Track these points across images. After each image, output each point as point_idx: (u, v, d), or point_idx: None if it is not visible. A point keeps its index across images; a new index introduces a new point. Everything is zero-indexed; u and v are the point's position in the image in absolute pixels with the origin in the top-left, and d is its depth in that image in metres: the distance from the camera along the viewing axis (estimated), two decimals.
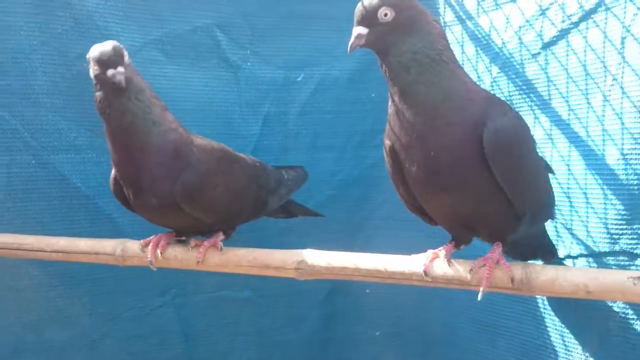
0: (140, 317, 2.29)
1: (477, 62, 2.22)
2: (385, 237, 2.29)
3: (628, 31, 1.69)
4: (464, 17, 2.29)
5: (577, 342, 1.88)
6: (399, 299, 2.37)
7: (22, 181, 2.07)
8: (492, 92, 2.14)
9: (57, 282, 2.16)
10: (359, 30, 1.39)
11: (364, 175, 2.40)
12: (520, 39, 2.04)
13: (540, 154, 1.72)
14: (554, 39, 1.93)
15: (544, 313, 1.99)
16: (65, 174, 2.12)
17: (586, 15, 1.83)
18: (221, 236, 1.83)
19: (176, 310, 2.32)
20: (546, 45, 1.96)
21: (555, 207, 1.89)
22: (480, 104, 1.41)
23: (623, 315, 1.73)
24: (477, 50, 2.22)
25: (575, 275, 1.43)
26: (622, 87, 1.70)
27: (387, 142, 1.50)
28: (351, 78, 2.38)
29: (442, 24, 2.32)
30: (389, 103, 1.47)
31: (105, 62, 1.61)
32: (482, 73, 2.19)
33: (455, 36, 2.30)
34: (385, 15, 1.37)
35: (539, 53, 1.98)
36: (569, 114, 1.90)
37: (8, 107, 2.04)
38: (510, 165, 1.40)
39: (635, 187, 1.68)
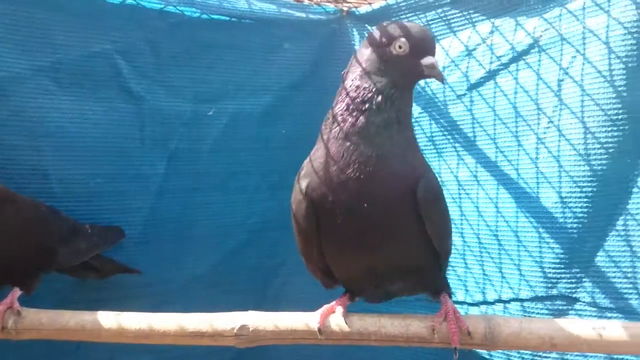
0: None
1: None
2: (300, 284, 2.13)
3: (566, 73, 1.69)
4: None
5: None
6: None
7: None
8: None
9: None
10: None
11: (279, 218, 2.19)
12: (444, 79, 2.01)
13: None
14: (481, 80, 1.91)
15: None
16: None
17: (517, 57, 1.83)
18: (17, 293, 1.63)
19: None
20: (472, 87, 1.94)
21: (482, 249, 1.88)
22: (416, 159, 1.41)
23: None
24: None
25: (540, 327, 1.37)
26: (559, 130, 1.70)
27: (305, 184, 1.38)
28: (266, 113, 2.19)
29: None
30: (322, 142, 1.37)
31: None
32: None
33: None
34: None
35: (464, 94, 1.96)
36: (496, 155, 1.88)
37: None
38: (438, 217, 1.42)
39: (575, 231, 1.68)
